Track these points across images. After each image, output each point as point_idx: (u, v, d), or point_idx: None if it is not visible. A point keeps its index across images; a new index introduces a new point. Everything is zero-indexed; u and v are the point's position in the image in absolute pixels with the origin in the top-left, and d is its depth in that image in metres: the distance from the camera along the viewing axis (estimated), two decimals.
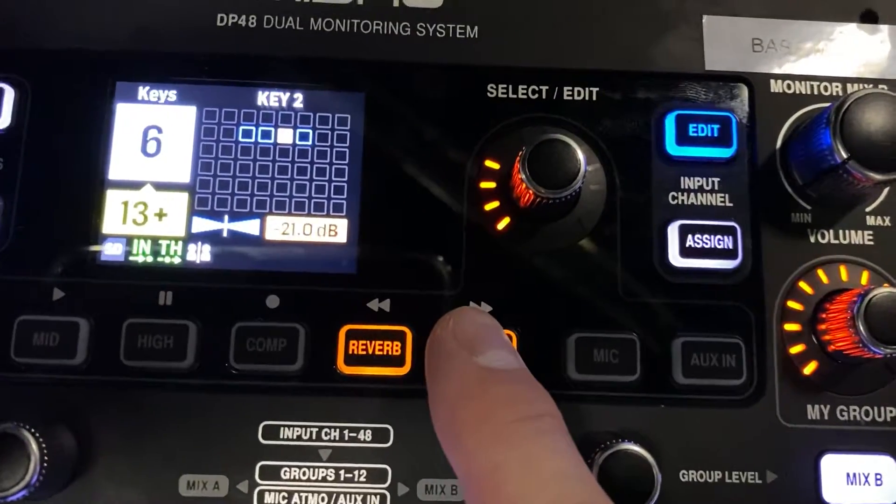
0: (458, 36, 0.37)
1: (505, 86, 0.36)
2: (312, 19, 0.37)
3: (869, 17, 0.38)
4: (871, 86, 0.36)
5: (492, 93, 0.36)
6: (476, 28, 0.37)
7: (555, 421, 0.25)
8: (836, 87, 0.37)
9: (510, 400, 0.26)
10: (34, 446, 0.30)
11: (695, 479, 0.33)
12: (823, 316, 0.33)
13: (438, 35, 0.37)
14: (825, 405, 0.34)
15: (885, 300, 0.31)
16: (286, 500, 0.33)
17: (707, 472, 0.33)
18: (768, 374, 0.34)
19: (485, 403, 0.26)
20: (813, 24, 0.37)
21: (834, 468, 0.33)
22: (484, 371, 0.26)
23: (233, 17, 0.36)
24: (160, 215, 0.35)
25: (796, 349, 0.34)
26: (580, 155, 0.32)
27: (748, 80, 0.37)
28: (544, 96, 0.36)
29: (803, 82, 0.37)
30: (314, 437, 0.33)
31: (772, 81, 0.37)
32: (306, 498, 0.33)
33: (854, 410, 0.34)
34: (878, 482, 0.33)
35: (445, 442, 0.27)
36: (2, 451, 0.30)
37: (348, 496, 0.33)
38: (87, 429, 0.33)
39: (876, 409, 0.34)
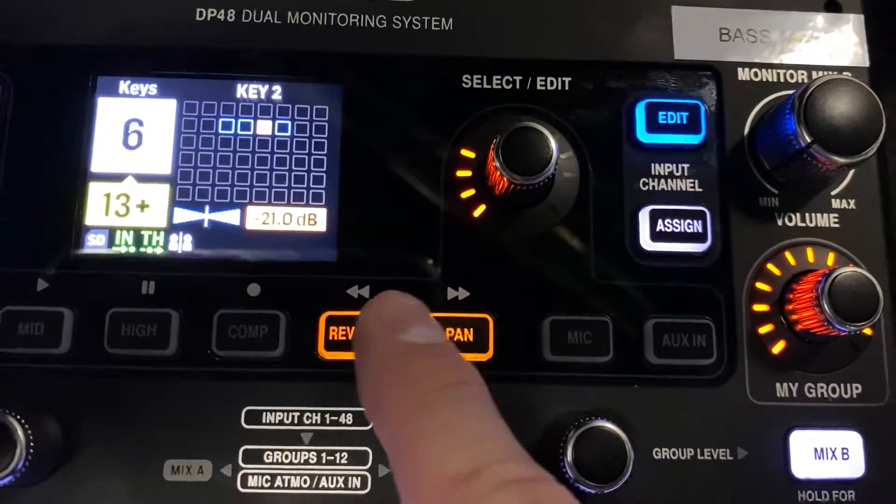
0: (433, 28, 0.38)
1: (479, 77, 0.37)
2: (290, 13, 0.37)
3: (833, 7, 0.39)
4: (835, 73, 0.38)
5: (467, 83, 0.37)
6: (451, 20, 0.38)
7: (475, 388, 0.26)
8: (802, 74, 0.38)
9: (432, 371, 0.26)
10: (20, 433, 0.31)
11: (667, 457, 0.34)
12: (791, 296, 0.35)
13: (414, 28, 0.38)
14: (794, 383, 0.35)
15: (849, 279, 0.32)
16: (269, 483, 0.33)
17: (679, 449, 0.34)
18: (738, 354, 0.35)
19: (408, 376, 0.26)
20: (779, 14, 0.39)
21: (802, 444, 0.34)
22: (407, 346, 0.27)
23: (212, 12, 0.37)
24: (142, 206, 0.36)
25: (765, 329, 0.35)
26: (552, 142, 0.33)
27: (716, 68, 0.38)
28: (518, 87, 0.38)
29: (770, 70, 0.38)
30: (296, 421, 0.34)
31: (739, 70, 0.38)
32: (289, 480, 0.33)
33: (822, 388, 0.35)
34: (845, 456, 0.34)
35: (373, 418, 0.28)
36: None
37: (330, 478, 0.34)
38: (72, 416, 0.34)
39: (843, 385, 0.35)
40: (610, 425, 0.31)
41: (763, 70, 0.38)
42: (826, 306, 0.32)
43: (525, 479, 0.23)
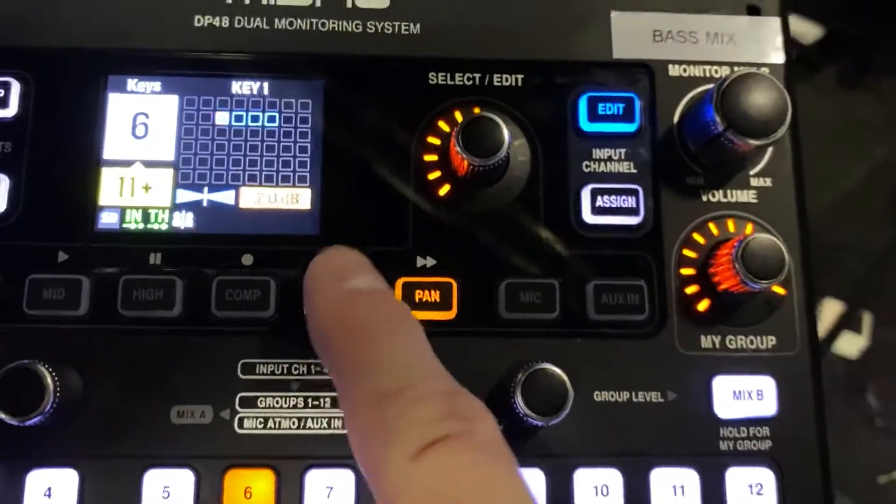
0: (402, 32, 0.43)
1: (443, 74, 0.43)
2: (276, 19, 0.43)
3: (753, 10, 0.45)
4: (752, 69, 0.44)
5: (432, 80, 0.43)
6: (418, 25, 0.43)
7: (406, 322, 0.31)
8: (725, 70, 0.43)
9: (370, 310, 0.31)
10: (49, 380, 0.35)
11: (606, 399, 0.40)
12: (713, 261, 0.40)
13: (386, 31, 0.43)
14: (716, 336, 0.41)
15: (759, 243, 0.38)
16: (262, 425, 0.39)
17: (617, 392, 0.40)
18: (667, 311, 0.40)
19: (350, 315, 0.31)
20: (705, 17, 0.44)
21: (723, 387, 0.40)
22: (350, 292, 0.32)
23: (208, 19, 0.42)
24: (148, 188, 0.41)
25: (691, 289, 0.41)
26: (505, 129, 0.38)
27: (649, 66, 0.43)
28: (477, 83, 0.43)
29: (697, 66, 0.43)
30: (286, 371, 0.39)
31: (670, 66, 0.43)
32: (280, 422, 0.39)
33: (741, 340, 0.41)
34: (760, 397, 0.40)
35: (320, 352, 0.32)
36: (22, 383, 0.36)
37: (316, 419, 0.39)
38: (91, 369, 0.38)
39: (759, 338, 0.41)
40: (553, 367, 0.37)
41: (691, 66, 0.43)
42: (739, 267, 0.38)
43: (444, 392, 0.28)
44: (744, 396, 0.40)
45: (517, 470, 0.27)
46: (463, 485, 0.25)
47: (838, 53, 2.50)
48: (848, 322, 2.05)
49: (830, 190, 2.40)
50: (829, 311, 2.05)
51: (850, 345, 2.07)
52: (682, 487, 0.39)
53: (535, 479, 0.38)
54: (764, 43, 0.44)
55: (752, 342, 0.41)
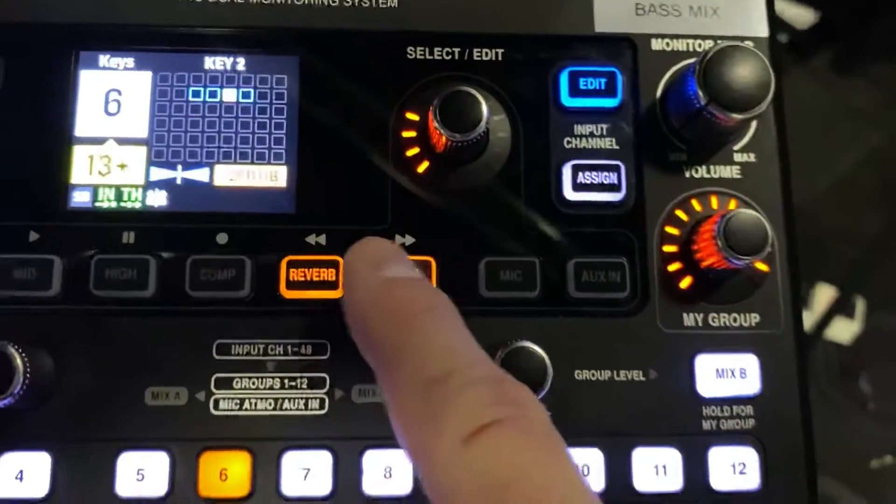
0: (380, 6, 0.43)
1: (422, 48, 0.42)
2: None
3: None
4: (738, 42, 0.43)
5: (411, 55, 0.42)
6: None
7: (446, 310, 0.31)
8: (709, 43, 0.43)
9: (409, 299, 0.31)
10: (19, 361, 0.35)
11: (588, 378, 0.40)
12: (695, 237, 0.40)
13: (363, 5, 0.42)
14: (699, 313, 0.41)
15: (740, 219, 0.38)
16: (238, 406, 0.38)
17: (598, 371, 0.40)
18: (650, 289, 0.40)
19: (389, 304, 0.31)
20: None
21: (706, 365, 0.40)
22: (387, 281, 0.32)
23: None
24: (122, 166, 0.40)
25: (674, 267, 0.41)
26: (483, 103, 0.38)
27: (632, 40, 0.43)
28: (457, 57, 0.42)
29: (680, 40, 0.43)
30: (261, 352, 0.39)
31: (653, 40, 0.43)
32: (255, 403, 0.39)
33: (724, 317, 0.41)
34: (743, 376, 0.40)
35: (359, 342, 0.33)
36: None
37: (292, 400, 0.39)
38: (63, 350, 0.38)
39: (742, 315, 0.41)
40: (532, 345, 0.37)
41: (674, 41, 0.43)
42: (721, 243, 0.38)
43: (491, 377, 0.28)
44: (727, 375, 0.40)
45: (569, 454, 0.27)
46: (515, 468, 0.26)
47: (831, 39, 2.50)
48: (841, 307, 2.06)
49: (824, 176, 2.40)
50: (823, 296, 2.06)
51: (844, 330, 2.08)
52: (665, 467, 0.39)
53: None
54: (748, 16, 0.44)
55: (735, 320, 0.41)
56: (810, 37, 2.52)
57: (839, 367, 2.09)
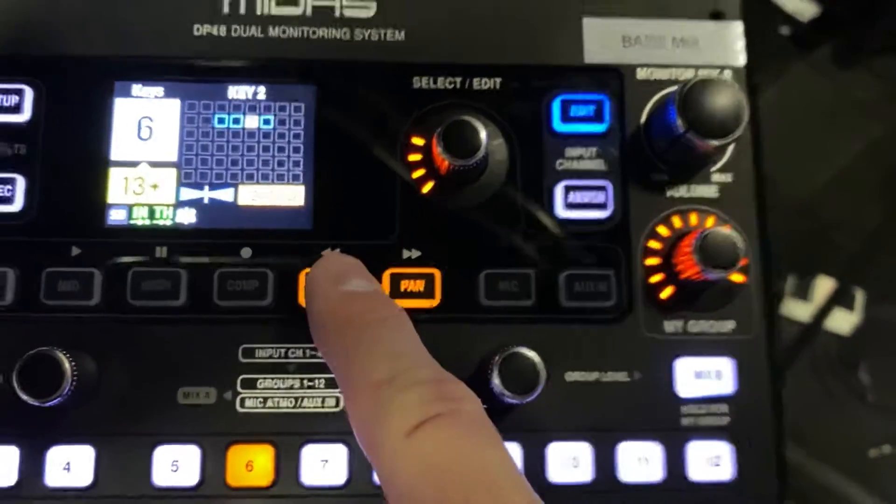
0: (388, 39, 0.46)
1: (427, 78, 0.46)
2: (270, 27, 0.46)
3: (717, 15, 0.48)
4: (717, 71, 0.47)
5: (416, 84, 0.46)
6: (403, 32, 0.46)
7: (398, 319, 0.35)
8: (690, 72, 0.47)
9: (364, 309, 0.35)
10: (66, 365, 0.39)
11: (577, 379, 0.44)
12: (676, 251, 0.44)
13: (372, 39, 0.46)
14: (679, 321, 0.44)
15: (714, 235, 0.42)
16: (262, 404, 0.43)
17: (587, 372, 0.44)
18: (634, 298, 0.44)
19: (346, 314, 0.35)
20: (672, 22, 0.47)
21: (685, 368, 0.44)
22: (345, 293, 0.36)
23: (206, 28, 0.46)
24: (154, 187, 0.44)
25: (656, 278, 0.45)
26: (482, 131, 0.42)
27: (619, 69, 0.47)
28: (458, 86, 0.46)
29: (663, 70, 0.47)
30: (283, 355, 0.43)
31: (638, 70, 0.47)
32: (278, 402, 0.43)
33: (702, 324, 0.44)
34: (719, 377, 0.44)
35: (320, 348, 0.36)
36: (43, 368, 0.40)
37: (311, 399, 0.43)
38: (104, 354, 0.42)
39: (719, 322, 0.45)
40: (527, 350, 0.41)
41: (658, 70, 0.47)
42: (697, 258, 0.42)
43: (431, 378, 0.32)
44: (704, 376, 0.44)
45: (500, 442, 0.31)
46: (452, 454, 0.29)
47: (833, 32, 2.52)
48: (841, 299, 2.09)
49: (824, 168, 2.43)
50: (823, 288, 2.09)
51: (844, 322, 2.11)
52: (647, 459, 0.43)
53: (512, 452, 0.42)
54: (726, 46, 0.48)
55: (712, 326, 0.45)
56: (812, 29, 2.54)
57: (839, 358, 2.13)
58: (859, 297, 2.09)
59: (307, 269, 0.43)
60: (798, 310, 2.19)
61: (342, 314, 0.35)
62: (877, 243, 2.07)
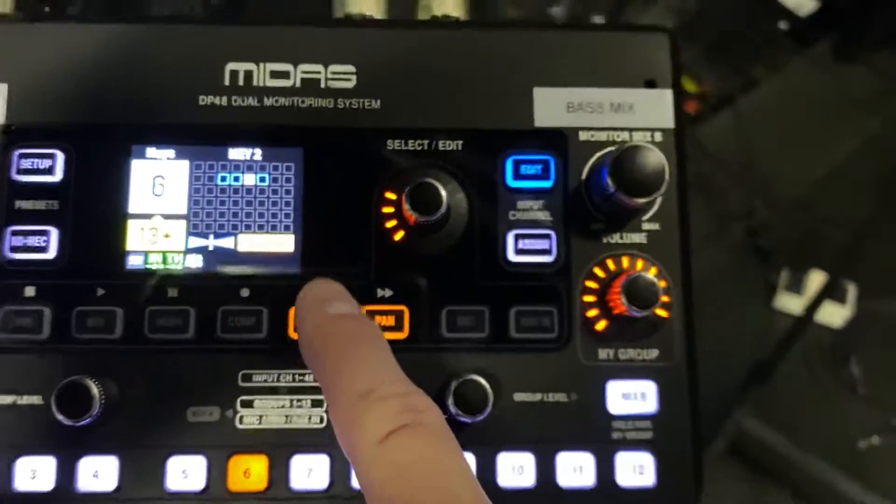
0: (365, 107, 0.53)
1: (399, 140, 0.52)
2: (265, 97, 0.53)
3: (650, 84, 0.54)
4: (649, 134, 0.55)
5: (390, 146, 0.52)
6: (378, 101, 0.53)
7: (377, 340, 0.40)
8: (625, 134, 0.53)
9: (347, 329, 0.40)
10: (95, 390, 0.47)
11: (524, 399, 0.50)
12: (609, 290, 0.52)
13: (352, 107, 0.53)
14: (611, 349, 0.51)
15: (638, 280, 0.49)
16: (258, 421, 0.49)
17: (532, 393, 0.50)
18: (573, 330, 0.51)
19: (332, 334, 0.40)
20: (610, 90, 0.54)
21: (615, 390, 0.51)
22: (332, 315, 0.41)
23: (210, 98, 0.52)
24: (167, 236, 0.51)
25: (592, 313, 0.52)
26: (443, 192, 0.49)
27: (564, 132, 0.52)
28: (426, 147, 0.52)
29: (602, 132, 0.53)
30: (276, 379, 0.50)
31: (580, 133, 0.53)
32: (271, 419, 0.49)
33: (630, 352, 0.51)
34: (643, 398, 0.51)
35: (309, 365, 0.41)
36: (76, 393, 0.48)
37: (299, 417, 0.49)
38: (125, 380, 0.49)
39: (644, 351, 0.52)
40: (477, 377, 0.49)
41: (597, 132, 0.53)
42: (623, 298, 0.50)
43: (402, 392, 0.37)
44: (631, 397, 0.52)
45: (459, 449, 0.36)
46: (415, 457, 0.34)
47: (832, 27, 2.57)
48: (833, 293, 2.16)
49: (822, 163, 2.49)
50: (816, 282, 2.16)
51: (836, 315, 2.18)
52: (581, 468, 0.50)
53: (468, 460, 0.51)
54: (658, 111, 0.54)
55: (639, 354, 0.52)
56: (811, 24, 2.59)
57: (830, 351, 2.20)
58: (851, 290, 2.15)
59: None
60: (791, 303, 2.26)
61: (328, 334, 0.40)
62: (870, 238, 2.13)
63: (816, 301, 2.06)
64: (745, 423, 1.92)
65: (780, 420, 1.97)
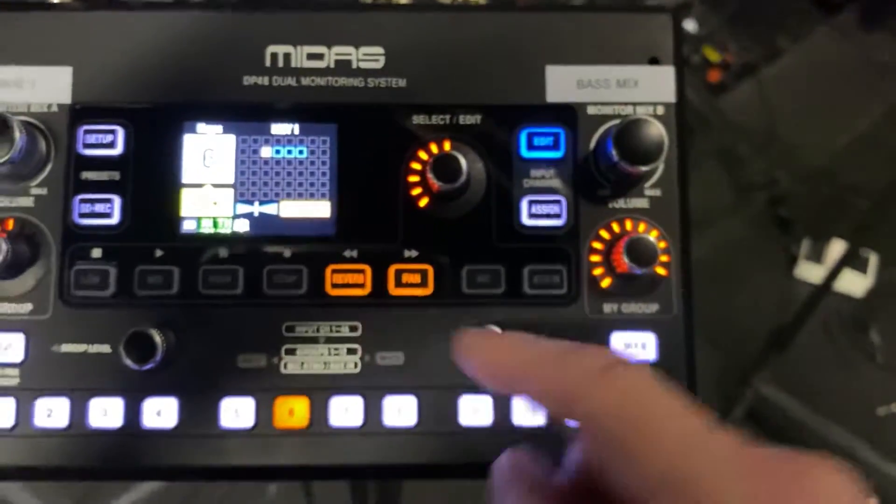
0: (393, 85, 0.59)
1: (423, 115, 0.58)
2: (303, 77, 0.59)
3: (654, 61, 0.60)
4: (652, 108, 0.61)
5: (415, 121, 0.58)
6: (405, 80, 0.59)
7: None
8: (630, 108, 0.59)
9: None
10: (158, 338, 0.54)
11: None
12: (613, 251, 0.58)
13: (381, 86, 0.59)
14: (615, 304, 0.57)
15: (636, 241, 0.56)
16: (300, 367, 0.56)
17: None
18: (581, 287, 0.57)
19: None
20: (617, 68, 0.59)
21: (618, 340, 0.57)
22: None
23: (254, 79, 0.59)
24: (215, 203, 0.57)
25: (598, 272, 0.58)
26: (463, 162, 0.56)
27: (574, 107, 0.58)
28: (448, 122, 0.58)
29: (608, 106, 0.59)
30: (315, 330, 0.55)
31: (588, 107, 0.59)
32: (311, 365, 0.56)
33: (632, 306, 0.57)
34: (644, 348, 0.58)
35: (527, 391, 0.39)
36: (141, 341, 0.55)
37: (336, 363, 0.56)
38: (183, 331, 0.56)
39: (645, 305, 0.58)
40: (494, 327, 0.56)
41: (604, 107, 0.59)
42: (626, 258, 0.56)
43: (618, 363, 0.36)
44: (632, 347, 0.58)
45: (671, 388, 0.35)
46: (637, 389, 0.34)
47: None
48: (854, 263, 2.20)
49: (846, 132, 2.52)
50: (837, 251, 2.20)
51: (856, 285, 2.23)
52: None
53: (486, 403, 0.58)
54: (661, 86, 0.60)
55: (640, 308, 0.58)
56: None
57: (851, 320, 2.25)
58: (872, 260, 2.20)
59: (332, 266, 0.57)
60: (812, 272, 2.30)
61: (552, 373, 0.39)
62: (892, 208, 2.16)
63: (836, 270, 2.10)
64: (763, 389, 1.98)
65: (799, 387, 2.03)
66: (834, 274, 2.08)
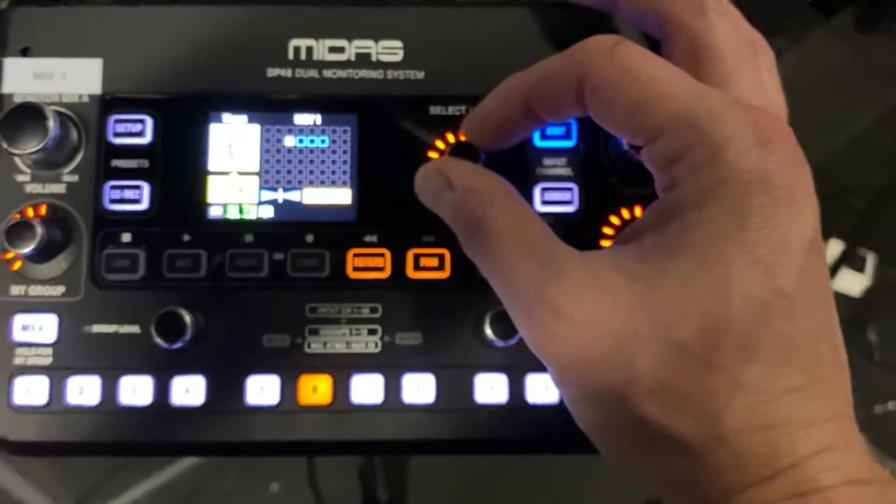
0: (411, 78, 0.61)
1: (441, 106, 0.58)
2: (324, 70, 0.61)
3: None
4: None
5: (433, 111, 0.58)
6: (423, 72, 0.61)
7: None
8: None
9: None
10: (188, 318, 0.56)
11: None
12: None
13: (399, 78, 0.61)
14: None
15: None
16: (323, 346, 0.58)
17: None
18: None
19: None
20: None
21: None
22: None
23: (277, 70, 0.61)
24: (241, 190, 0.60)
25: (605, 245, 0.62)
26: (479, 152, 0.59)
27: None
28: (464, 113, 0.58)
29: None
30: (337, 311, 0.56)
31: None
32: (334, 344, 0.58)
33: None
34: None
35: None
36: (172, 320, 0.58)
37: (357, 343, 0.58)
38: (210, 312, 0.58)
39: None
40: None
41: None
42: None
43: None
44: None
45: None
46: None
47: None
48: (852, 262, 2.24)
49: (843, 132, 2.56)
50: (835, 251, 2.24)
51: (854, 283, 2.27)
52: None
53: (499, 382, 0.61)
54: None
55: None
56: None
57: (848, 318, 2.28)
58: (870, 259, 2.24)
59: (353, 250, 0.60)
60: None
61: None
62: (889, 206, 2.21)
63: (834, 269, 2.13)
64: None
65: None
66: (832, 273, 2.12)
